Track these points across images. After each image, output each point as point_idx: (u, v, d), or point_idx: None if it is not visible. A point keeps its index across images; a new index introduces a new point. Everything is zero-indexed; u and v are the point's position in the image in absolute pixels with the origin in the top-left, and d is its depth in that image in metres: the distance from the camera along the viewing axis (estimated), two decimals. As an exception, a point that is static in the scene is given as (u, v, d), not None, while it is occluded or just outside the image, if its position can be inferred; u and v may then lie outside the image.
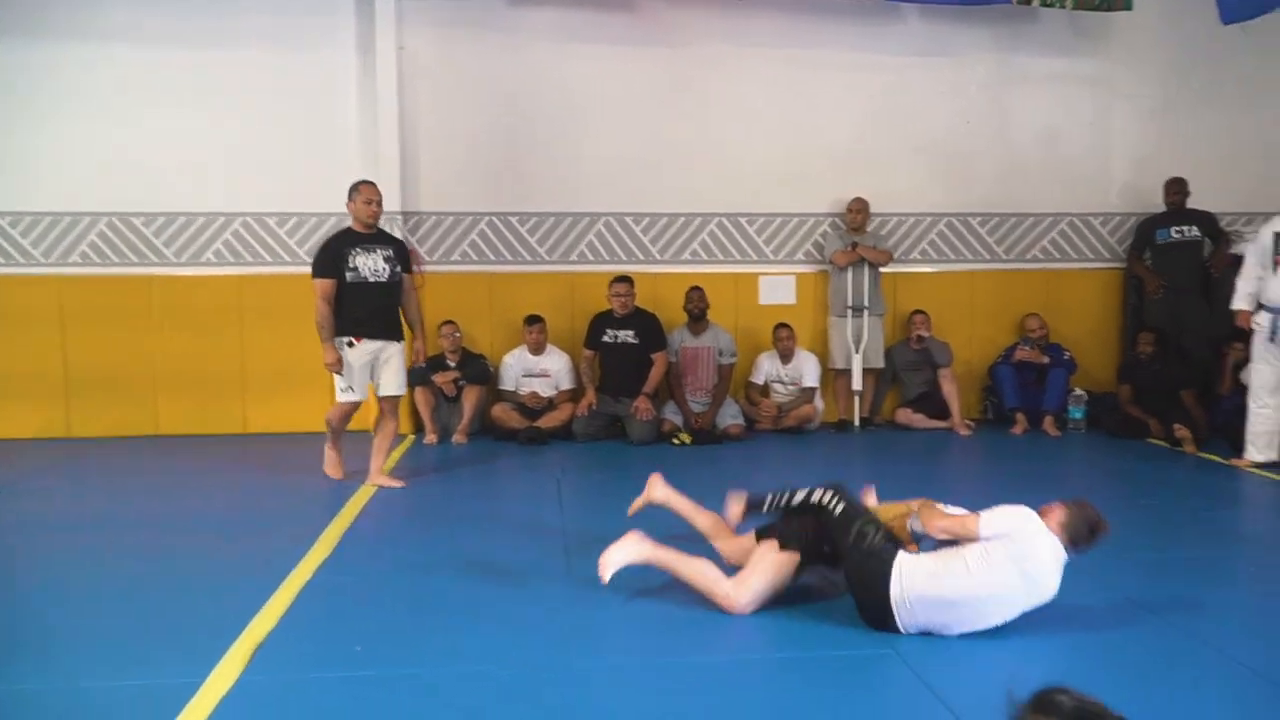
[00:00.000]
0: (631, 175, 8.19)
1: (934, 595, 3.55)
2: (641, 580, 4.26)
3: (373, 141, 7.82)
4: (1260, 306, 6.48)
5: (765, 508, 4.19)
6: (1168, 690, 3.23)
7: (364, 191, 6.00)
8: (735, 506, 4.37)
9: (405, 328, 6.26)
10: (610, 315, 7.75)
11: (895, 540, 3.75)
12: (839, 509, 3.84)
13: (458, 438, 7.54)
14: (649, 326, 7.76)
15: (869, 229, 8.24)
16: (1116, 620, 3.82)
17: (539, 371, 7.86)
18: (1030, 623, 3.68)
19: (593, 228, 8.21)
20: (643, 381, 7.63)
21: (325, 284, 5.90)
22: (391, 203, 7.76)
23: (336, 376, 6.00)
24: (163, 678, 3.29)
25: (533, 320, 7.79)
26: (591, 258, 8.22)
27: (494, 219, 8.11)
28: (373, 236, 6.04)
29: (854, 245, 8.09)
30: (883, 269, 8.21)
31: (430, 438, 7.52)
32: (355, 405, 6.17)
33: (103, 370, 7.82)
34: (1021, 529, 3.56)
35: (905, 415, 8.19)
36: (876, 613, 3.65)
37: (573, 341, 8.02)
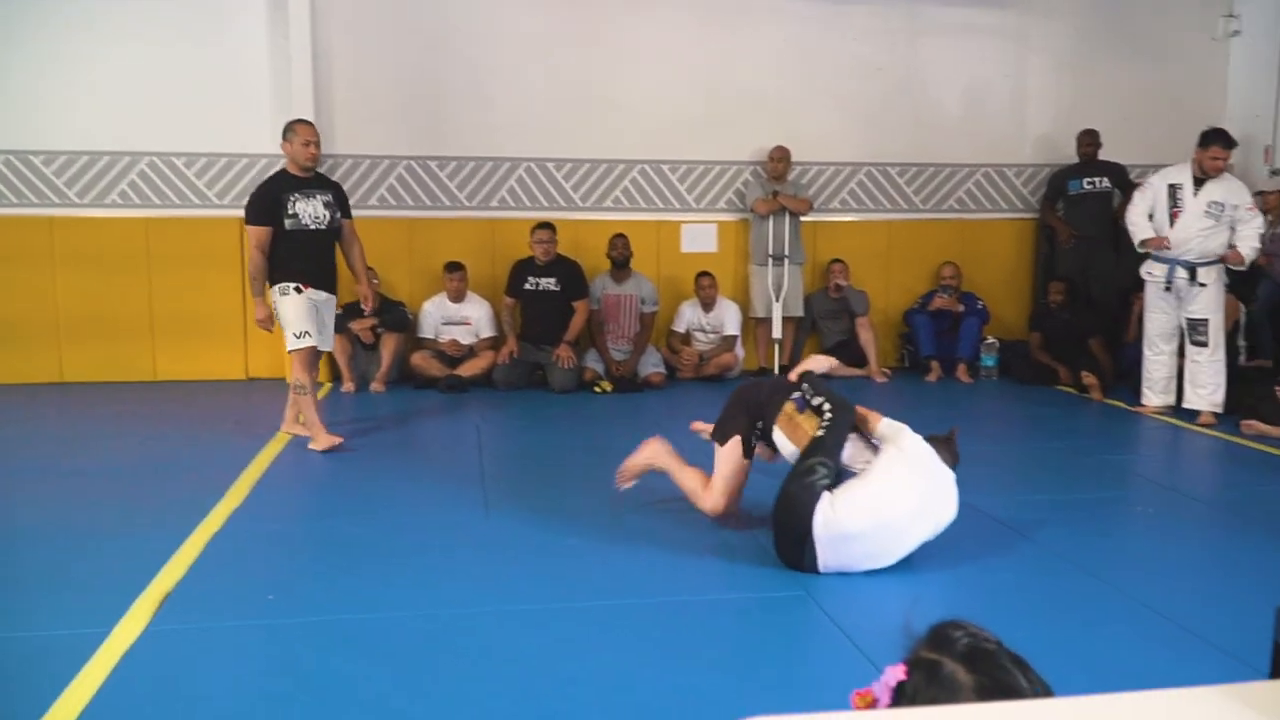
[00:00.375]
0: (553, 121, 8.09)
1: (861, 527, 3.63)
2: (555, 528, 4.28)
3: (285, 80, 7.59)
4: (1153, 257, 6.66)
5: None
6: (1066, 625, 3.33)
7: (300, 132, 5.61)
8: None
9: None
10: (532, 262, 7.68)
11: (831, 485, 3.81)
12: (821, 431, 3.89)
13: (376, 386, 7.44)
14: (571, 274, 7.71)
15: (790, 178, 8.27)
16: (1019, 560, 3.93)
17: (459, 319, 7.78)
18: (936, 563, 3.79)
19: (514, 173, 8.11)
20: (564, 329, 7.60)
21: (261, 231, 5.51)
22: (305, 145, 7.58)
23: (286, 327, 5.57)
24: (68, 629, 3.21)
25: (453, 267, 7.69)
26: (512, 204, 8.13)
27: (412, 163, 7.96)
28: (311, 181, 5.66)
29: (775, 194, 8.11)
30: (803, 218, 8.25)
31: (347, 386, 7.41)
32: (315, 351, 5.71)
33: (1, 315, 7.54)
34: (915, 443, 3.79)
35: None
36: (794, 546, 3.71)
37: (493, 289, 7.94)
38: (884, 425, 3.92)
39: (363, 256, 5.94)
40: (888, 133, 8.56)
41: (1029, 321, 8.30)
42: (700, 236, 8.45)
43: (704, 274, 8.05)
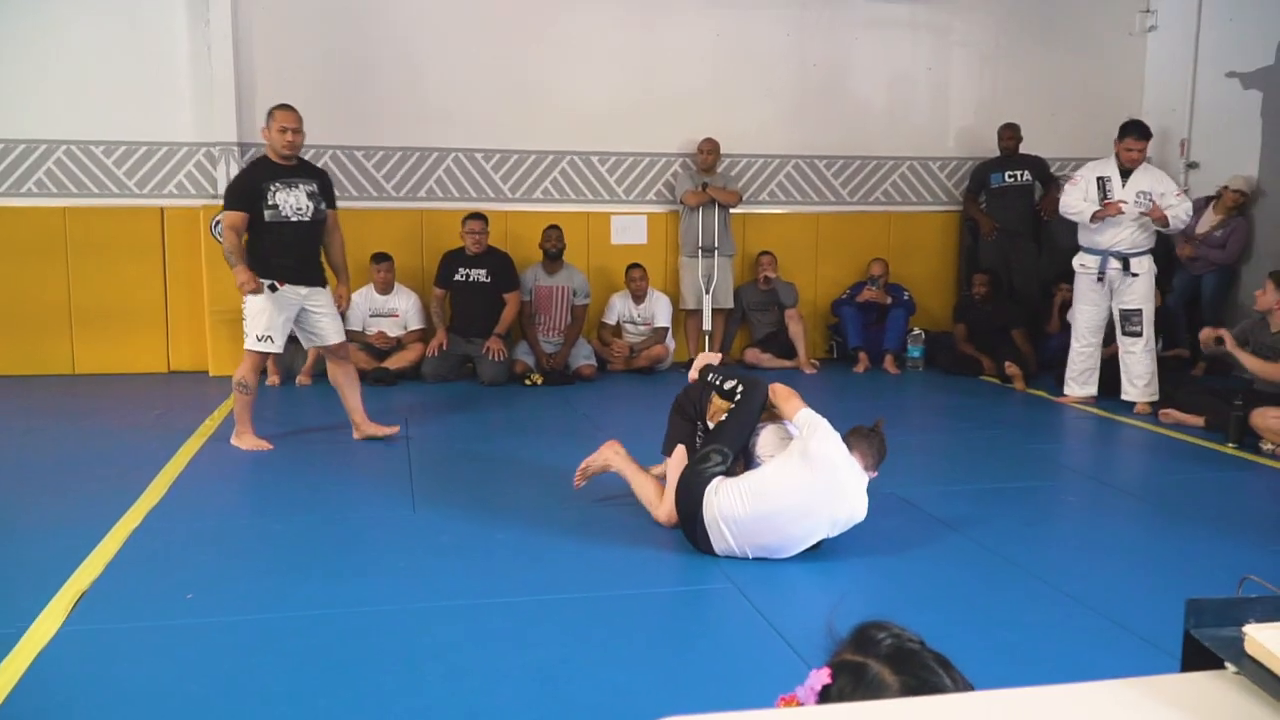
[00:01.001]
0: (483, 111, 8.00)
1: (740, 515, 3.68)
2: (483, 522, 4.24)
3: (205, 67, 7.41)
4: (1084, 249, 6.78)
5: (708, 382, 4.30)
6: (991, 617, 3.37)
7: (278, 118, 5.30)
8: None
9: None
10: (462, 253, 7.59)
11: (728, 473, 3.87)
12: (726, 418, 4.04)
13: (301, 379, 7.30)
14: (502, 265, 7.64)
15: (719, 170, 8.28)
16: (945, 551, 3.97)
17: (387, 311, 7.67)
18: (860, 554, 3.83)
19: (442, 164, 8.01)
20: (494, 321, 7.53)
21: (236, 216, 5.21)
22: (226, 133, 7.43)
23: (249, 323, 5.31)
24: (-25, 633, 3.10)
25: (380, 258, 7.58)
26: (441, 194, 8.03)
27: (338, 152, 7.82)
28: (293, 169, 5.38)
29: (704, 186, 8.12)
30: (732, 210, 8.28)
31: (272, 379, 7.25)
32: (268, 357, 5.54)
33: (-90, 308, 7.27)
34: (824, 442, 3.72)
35: (753, 355, 8.33)
36: (691, 529, 3.82)
37: (422, 280, 7.85)
38: (802, 416, 3.87)
39: (343, 250, 5.63)
40: (816, 126, 8.61)
41: (953, 313, 8.43)
42: (630, 228, 8.43)
43: (635, 266, 8.04)
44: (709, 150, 8.15)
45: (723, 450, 3.90)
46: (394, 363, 7.44)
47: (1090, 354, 6.89)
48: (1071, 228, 6.94)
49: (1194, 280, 7.97)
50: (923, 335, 8.32)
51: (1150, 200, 6.49)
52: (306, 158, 7.64)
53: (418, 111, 7.89)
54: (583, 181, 8.29)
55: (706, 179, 8.16)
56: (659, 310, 8.10)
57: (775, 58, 8.48)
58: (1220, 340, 5.99)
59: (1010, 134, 8.41)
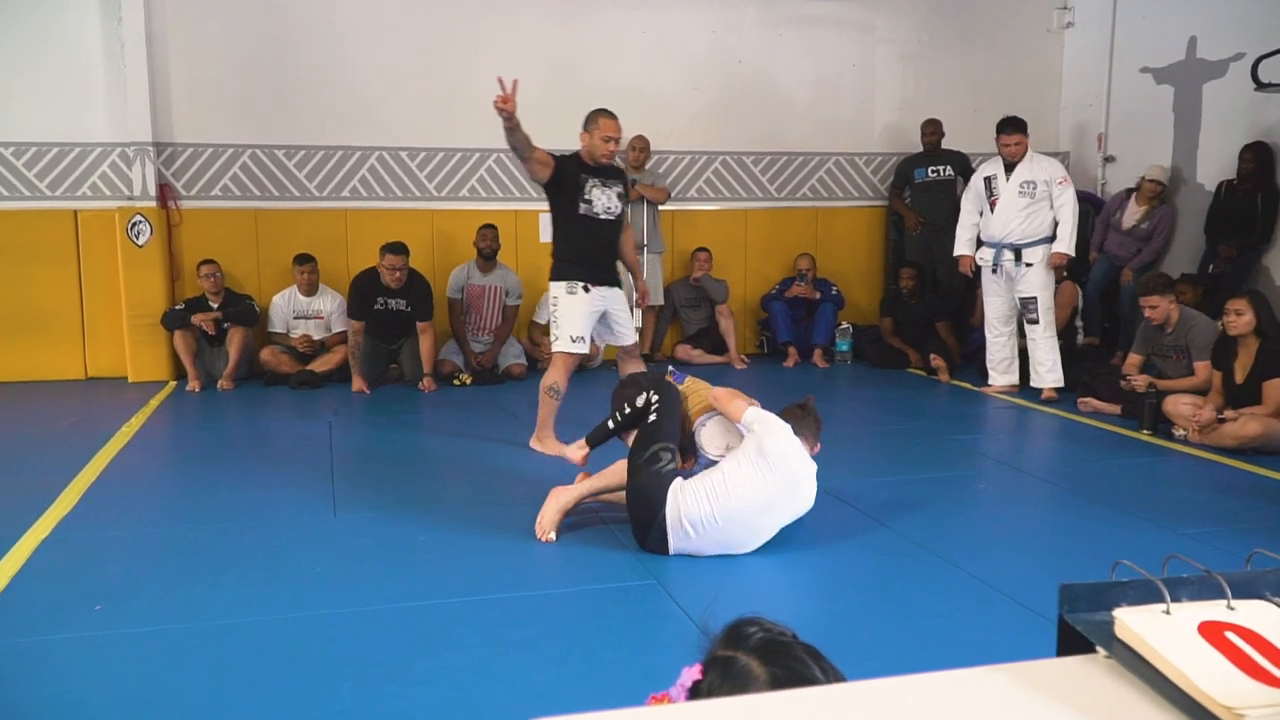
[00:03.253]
0: (407, 109, 7.91)
1: (705, 515, 3.68)
2: (406, 524, 4.19)
3: (119, 65, 7.22)
4: (981, 244, 6.92)
5: (612, 430, 4.23)
6: (909, 605, 3.41)
7: (603, 126, 5.15)
8: (577, 452, 4.39)
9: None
10: (379, 282, 7.24)
11: (680, 471, 3.87)
12: (651, 417, 3.97)
13: (223, 384, 7.15)
14: (422, 296, 7.31)
15: (647, 167, 8.28)
16: (867, 542, 4.00)
17: (311, 313, 7.55)
18: (784, 547, 3.83)
19: (366, 162, 7.90)
20: (415, 335, 7.35)
21: (544, 155, 5.09)
22: (141, 133, 7.26)
23: (560, 324, 5.22)
24: None
25: (303, 259, 7.45)
26: (365, 194, 7.92)
27: (258, 151, 7.67)
28: (608, 169, 5.30)
29: (634, 183, 8.11)
30: (661, 207, 8.28)
31: (193, 385, 7.09)
32: (574, 358, 5.31)
33: None
34: (778, 439, 3.76)
35: (684, 351, 8.34)
36: (644, 531, 3.78)
37: (346, 281, 7.72)
38: (749, 415, 3.88)
39: (635, 249, 5.62)
40: (743, 122, 8.64)
41: (880, 307, 8.52)
42: (559, 226, 8.37)
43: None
44: (639, 147, 8.14)
45: (669, 447, 3.87)
46: (319, 365, 7.32)
47: (1004, 343, 7.03)
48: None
49: (1113, 269, 8.12)
50: (850, 329, 8.40)
51: (1034, 188, 6.66)
52: (225, 157, 7.59)
53: (340, 109, 7.78)
54: (510, 179, 8.23)
55: (635, 176, 8.15)
56: (589, 308, 8.05)
57: (701, 55, 8.50)
58: (1152, 387, 6.00)
59: (933, 129, 8.52)
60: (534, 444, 5.43)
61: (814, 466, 3.84)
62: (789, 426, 3.83)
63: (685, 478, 3.82)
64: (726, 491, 3.70)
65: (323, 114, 7.75)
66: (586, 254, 5.24)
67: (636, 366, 5.47)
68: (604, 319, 5.40)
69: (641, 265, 8.12)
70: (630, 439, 4.09)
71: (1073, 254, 6.73)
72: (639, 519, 3.81)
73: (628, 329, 5.50)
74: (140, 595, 3.45)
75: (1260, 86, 7.01)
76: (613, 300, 5.37)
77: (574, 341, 5.26)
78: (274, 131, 7.68)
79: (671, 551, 3.75)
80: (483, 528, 4.14)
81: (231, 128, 7.58)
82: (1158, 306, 6.05)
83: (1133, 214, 8.04)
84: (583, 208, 5.19)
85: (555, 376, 5.31)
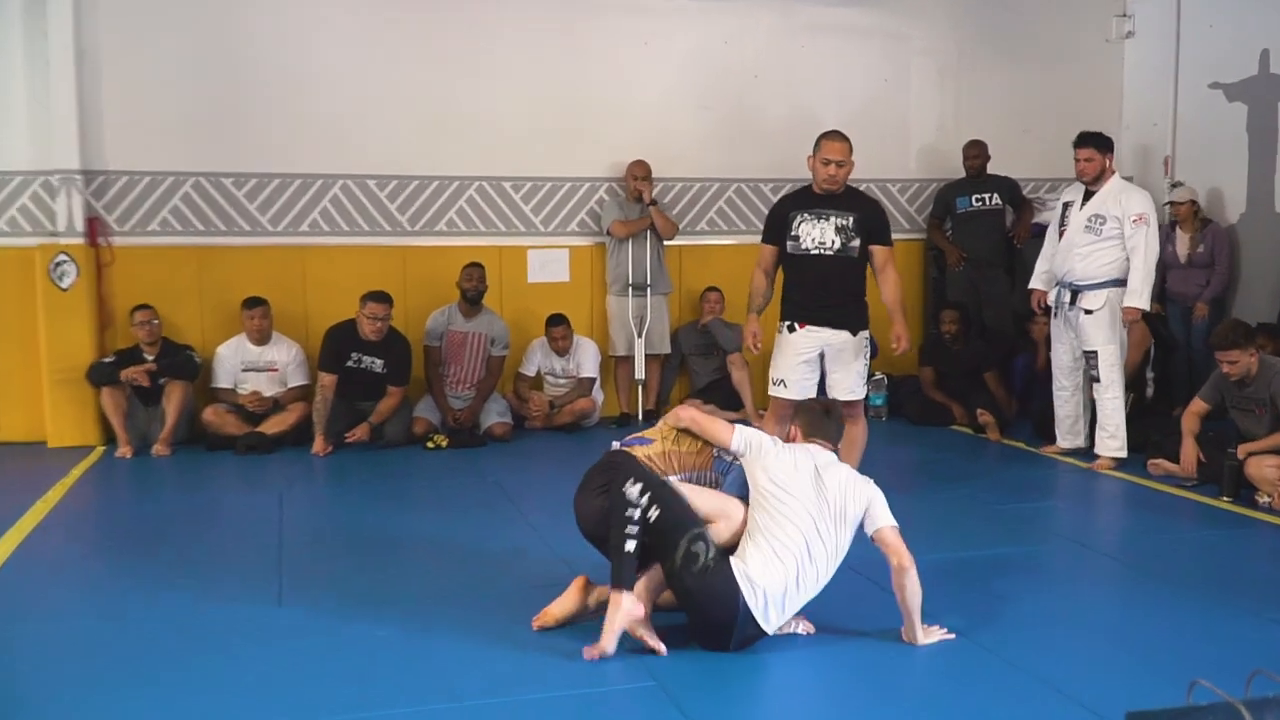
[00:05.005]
0: (375, 132, 7.87)
1: (792, 571, 3.65)
2: (364, 618, 4.06)
3: (44, 84, 7.19)
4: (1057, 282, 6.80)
5: (633, 551, 3.67)
6: (957, 710, 3.28)
7: (824, 147, 5.44)
8: (636, 607, 3.69)
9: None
10: (355, 335, 7.21)
11: (720, 549, 3.70)
12: (653, 514, 3.68)
13: (158, 449, 7.03)
14: (400, 357, 7.30)
15: (654, 195, 8.21)
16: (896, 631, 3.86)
17: (263, 365, 7.46)
18: (808, 642, 3.77)
19: (327, 192, 7.85)
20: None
21: (763, 250, 5.68)
22: (68, 160, 7.23)
23: (772, 366, 5.60)
24: None
25: (253, 303, 7.37)
26: (326, 228, 7.86)
27: (202, 180, 7.62)
28: (833, 199, 5.48)
29: (652, 204, 7.99)
30: (667, 242, 8.20)
31: (123, 450, 6.98)
32: (790, 404, 5.28)
33: None
34: (776, 459, 3.88)
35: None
36: (730, 630, 3.65)
37: (304, 329, 7.66)
38: (738, 440, 3.97)
39: (898, 290, 5.64)
40: (758, 144, 8.58)
41: (919, 355, 8.40)
42: (550, 264, 8.32)
43: (557, 322, 7.85)
44: (640, 176, 8.04)
45: (695, 534, 3.67)
46: (271, 427, 7.20)
47: (1067, 399, 6.89)
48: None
49: (1186, 313, 8.01)
50: (885, 380, 8.28)
51: (1101, 223, 6.46)
52: (165, 187, 7.53)
53: (298, 133, 7.74)
54: (494, 211, 8.17)
55: (638, 206, 8.07)
56: (584, 359, 7.97)
57: (712, 68, 8.46)
58: (1233, 455, 5.84)
59: (977, 152, 8.46)
60: None
61: (836, 463, 3.99)
62: (775, 441, 3.95)
63: (732, 552, 3.71)
64: (781, 537, 3.68)
65: (278, 137, 7.70)
66: (794, 291, 5.55)
67: (855, 430, 5.40)
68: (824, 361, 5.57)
69: (645, 307, 8.08)
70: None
71: (1145, 308, 6.50)
72: (716, 624, 3.66)
73: (843, 380, 5.52)
74: (49, 705, 3.32)
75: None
76: (833, 345, 5.50)
77: (773, 384, 5.58)
78: (221, 157, 7.62)
79: (772, 632, 3.70)
80: (453, 621, 4.02)
81: (172, 153, 7.53)
82: (1237, 362, 5.88)
83: (1183, 243, 7.97)
84: (789, 245, 5.49)
85: (766, 425, 5.42)
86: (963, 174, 8.55)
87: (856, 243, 5.45)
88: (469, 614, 4.10)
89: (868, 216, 5.51)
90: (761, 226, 8.51)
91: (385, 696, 3.39)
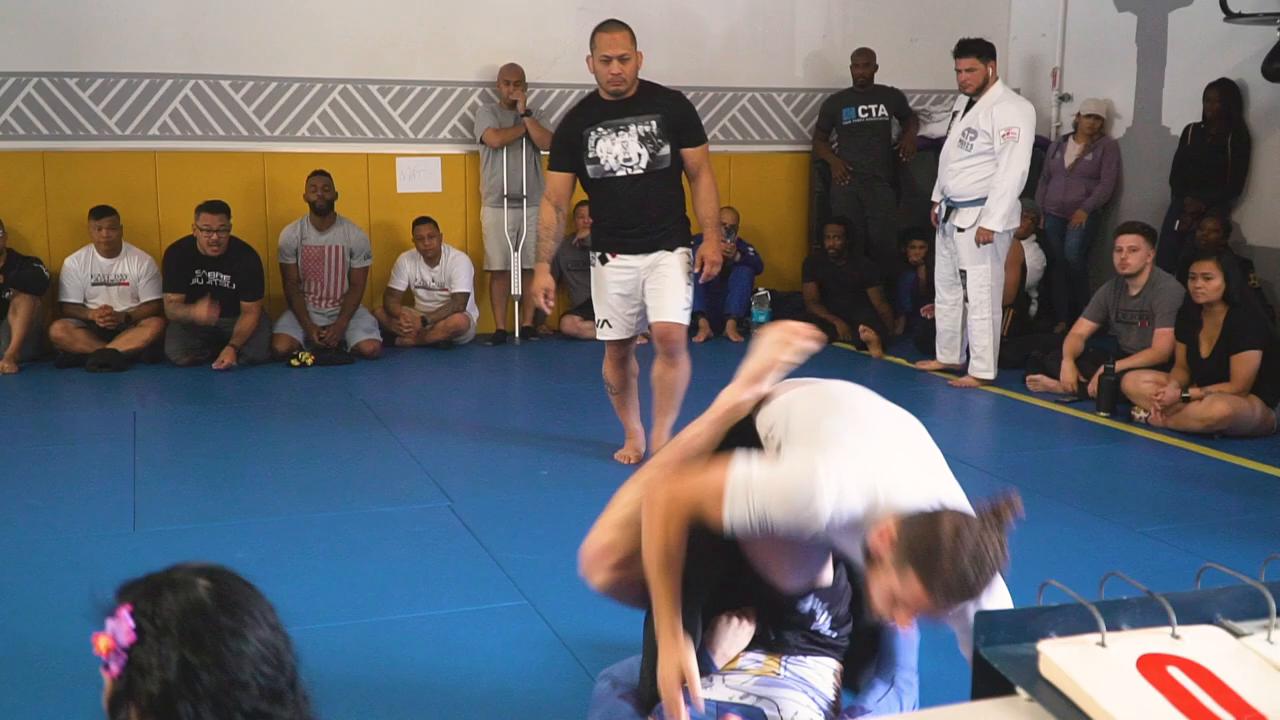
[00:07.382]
0: (229, 30, 7.66)
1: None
2: (222, 538, 4.07)
3: None
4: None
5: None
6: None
7: (599, 44, 4.85)
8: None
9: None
10: (196, 251, 7.14)
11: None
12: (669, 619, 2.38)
13: (4, 366, 6.87)
14: (249, 270, 7.25)
15: (529, 103, 8.15)
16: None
17: (114, 278, 7.30)
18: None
19: (179, 93, 7.64)
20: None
21: (555, 178, 5.00)
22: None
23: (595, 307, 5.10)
24: None
25: (102, 213, 7.19)
26: (178, 132, 7.67)
27: (44, 80, 7.37)
28: (619, 106, 4.84)
29: (527, 114, 7.92)
30: (544, 152, 8.17)
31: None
32: (621, 344, 5.07)
33: None
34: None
35: (573, 324, 8.27)
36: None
37: (156, 239, 7.50)
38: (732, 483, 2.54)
39: (715, 199, 5.00)
40: (644, 50, 8.52)
41: (803, 270, 8.54)
42: (420, 173, 8.24)
43: (423, 220, 7.82)
44: (513, 81, 7.97)
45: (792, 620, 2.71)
46: (124, 343, 7.08)
47: (946, 313, 7.00)
48: (932, 169, 7.13)
49: (1063, 224, 8.23)
50: (769, 296, 8.41)
51: (973, 137, 6.43)
52: (4, 89, 7.25)
53: (148, 31, 7.50)
54: (360, 116, 8.05)
55: (517, 115, 8.00)
56: (458, 272, 7.94)
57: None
58: (1111, 370, 5.98)
59: (864, 61, 8.55)
60: (618, 457, 5.23)
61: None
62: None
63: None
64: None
65: (125, 34, 7.47)
66: (604, 218, 5.00)
67: (672, 372, 5.08)
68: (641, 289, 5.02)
69: (522, 220, 8.06)
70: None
71: (997, 229, 6.39)
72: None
73: (662, 303, 4.93)
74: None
75: (1230, 16, 7.17)
76: (650, 269, 4.94)
77: (599, 327, 5.10)
78: (64, 56, 7.38)
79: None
80: (314, 542, 4.05)
81: (11, 51, 7.25)
82: (1137, 249, 6.05)
83: (1073, 152, 8.20)
84: (591, 169, 4.87)
85: (604, 370, 5.18)
86: (850, 84, 8.65)
87: (666, 150, 4.84)
88: (332, 535, 4.12)
89: (673, 115, 4.88)
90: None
91: None
